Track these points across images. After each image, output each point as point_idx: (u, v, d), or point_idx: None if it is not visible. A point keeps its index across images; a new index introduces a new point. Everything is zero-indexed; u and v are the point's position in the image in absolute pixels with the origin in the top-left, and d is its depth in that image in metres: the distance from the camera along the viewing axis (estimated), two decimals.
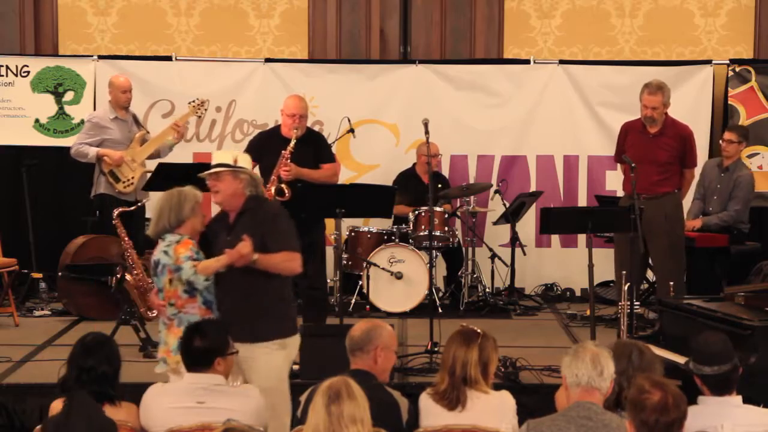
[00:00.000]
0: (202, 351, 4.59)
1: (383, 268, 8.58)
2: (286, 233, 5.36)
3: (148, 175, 8.31)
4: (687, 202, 8.55)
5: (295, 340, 5.42)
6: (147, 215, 8.80)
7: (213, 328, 4.75)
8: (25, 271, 8.81)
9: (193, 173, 8.26)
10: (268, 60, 9.86)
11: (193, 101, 8.62)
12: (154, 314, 7.56)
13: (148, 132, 8.68)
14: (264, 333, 5.27)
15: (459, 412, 4.49)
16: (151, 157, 8.54)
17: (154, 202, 5.46)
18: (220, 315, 5.30)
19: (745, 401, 4.34)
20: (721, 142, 8.64)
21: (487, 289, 9.16)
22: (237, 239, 5.21)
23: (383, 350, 4.60)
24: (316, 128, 8.88)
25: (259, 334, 5.25)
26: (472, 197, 9.03)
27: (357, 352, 4.59)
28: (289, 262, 5.31)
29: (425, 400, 4.58)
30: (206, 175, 5.39)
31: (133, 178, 8.46)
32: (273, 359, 5.28)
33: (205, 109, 8.74)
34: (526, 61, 9.86)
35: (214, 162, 5.42)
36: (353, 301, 8.67)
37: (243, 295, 5.27)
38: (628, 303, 6.85)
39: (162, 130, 8.73)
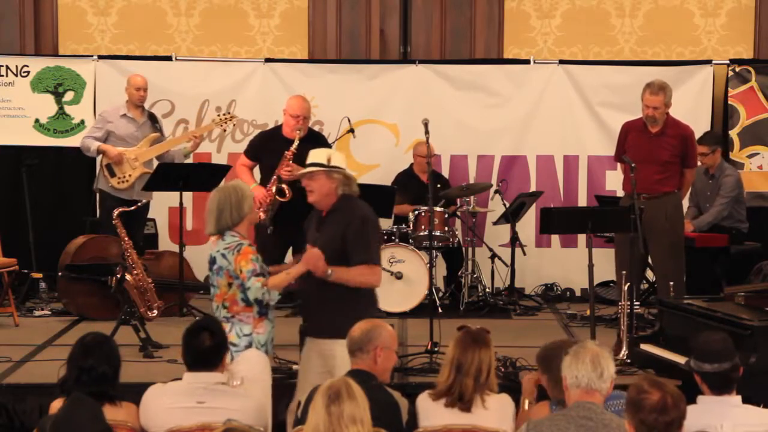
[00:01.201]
0: (214, 348, 4.58)
1: (383, 268, 8.55)
2: (369, 241, 5.37)
3: (147, 176, 8.34)
4: (686, 203, 8.56)
5: None
6: (150, 215, 8.90)
7: (216, 324, 4.74)
8: (25, 271, 8.80)
9: (192, 174, 8.39)
10: (268, 60, 9.86)
11: (220, 115, 8.66)
12: (154, 314, 7.60)
13: (162, 135, 8.69)
14: (343, 330, 5.21)
15: (463, 412, 4.50)
16: (163, 160, 8.54)
17: (209, 199, 5.44)
18: (303, 309, 5.39)
19: (745, 401, 4.35)
20: None
21: (487, 289, 9.15)
22: (324, 237, 5.32)
23: (383, 350, 4.61)
24: (316, 128, 8.88)
25: (338, 330, 5.20)
26: (472, 197, 9.03)
27: (357, 352, 4.60)
28: (366, 276, 5.35)
29: (425, 402, 4.58)
30: (301, 176, 5.42)
31: (129, 176, 8.46)
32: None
33: (233, 124, 8.77)
34: (526, 61, 9.86)
35: (308, 161, 5.44)
36: None
37: (325, 292, 5.30)
38: (628, 303, 6.85)
39: (176, 137, 8.80)
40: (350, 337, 4.62)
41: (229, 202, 5.31)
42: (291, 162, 7.34)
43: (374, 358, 4.59)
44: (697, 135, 8.39)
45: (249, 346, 5.25)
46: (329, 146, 7.95)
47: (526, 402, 4.72)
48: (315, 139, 7.70)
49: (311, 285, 5.36)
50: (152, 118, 8.75)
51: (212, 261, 5.36)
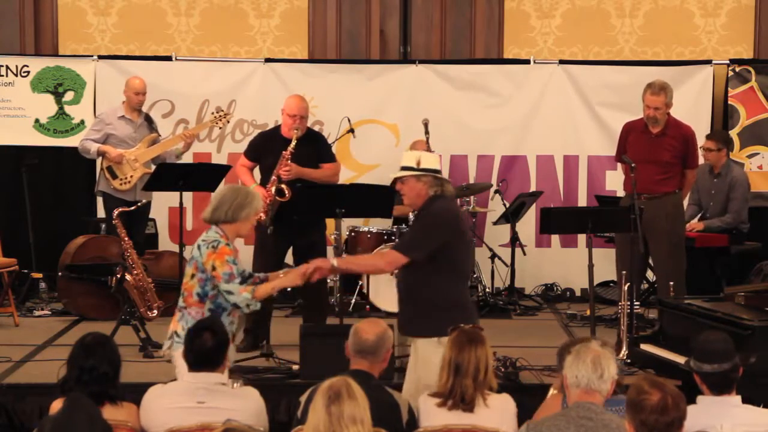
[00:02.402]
0: (216, 349, 4.59)
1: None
2: (412, 234, 5.50)
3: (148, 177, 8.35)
4: (685, 202, 8.56)
5: None
6: (150, 215, 8.90)
7: (218, 324, 4.75)
8: (25, 271, 8.80)
9: (192, 174, 8.39)
10: (268, 60, 9.86)
11: (216, 112, 8.67)
12: (154, 314, 7.61)
13: (159, 135, 8.70)
14: (421, 329, 5.35)
15: (465, 413, 4.49)
16: (156, 160, 8.56)
17: (219, 188, 5.65)
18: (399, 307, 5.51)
19: (745, 401, 4.34)
20: (700, 149, 8.65)
21: (487, 289, 9.15)
22: None
23: (389, 352, 4.70)
24: (316, 128, 8.88)
25: (418, 329, 5.37)
26: (472, 197, 9.03)
27: (369, 356, 4.60)
28: (375, 259, 5.54)
29: (426, 402, 4.58)
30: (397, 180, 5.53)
31: (131, 177, 8.47)
32: (429, 354, 5.26)
33: (227, 121, 8.78)
34: (526, 61, 9.86)
35: (401, 164, 5.52)
36: (353, 301, 8.66)
37: (405, 291, 5.46)
38: (628, 303, 6.85)
39: (174, 136, 8.82)
40: (362, 341, 4.59)
41: (231, 200, 5.36)
42: (289, 162, 7.33)
43: (385, 360, 4.65)
44: (698, 135, 8.39)
45: None
46: (329, 146, 7.95)
47: (553, 391, 4.74)
48: (314, 139, 7.69)
49: (401, 283, 5.52)
50: (148, 119, 8.77)
51: (192, 251, 5.42)
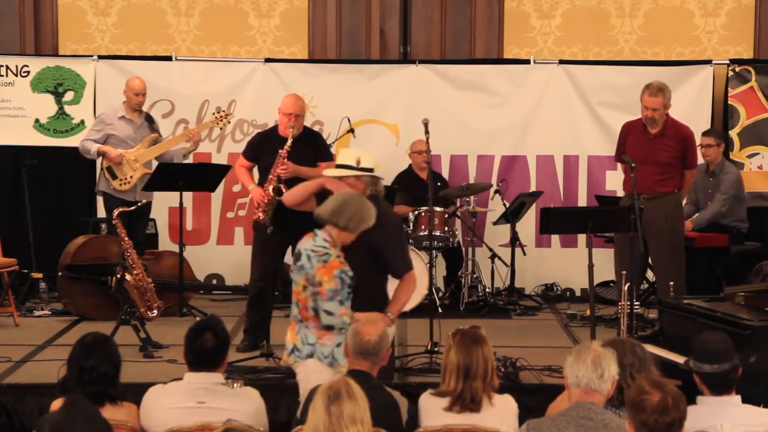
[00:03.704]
0: (217, 349, 4.59)
1: None
2: (402, 247, 5.52)
3: (148, 177, 8.36)
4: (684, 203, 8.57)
5: None
6: (150, 215, 8.91)
7: (220, 325, 4.73)
8: (25, 271, 8.81)
9: (192, 174, 8.40)
10: (268, 60, 9.86)
11: (217, 112, 8.69)
12: (154, 314, 7.60)
13: (160, 135, 8.71)
14: None
15: (472, 413, 4.48)
16: (162, 160, 8.56)
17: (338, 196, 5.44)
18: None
19: (745, 401, 4.34)
20: (698, 147, 8.65)
21: (487, 289, 9.15)
22: (356, 246, 5.36)
23: (389, 350, 4.73)
24: (316, 128, 8.89)
25: None
26: (472, 197, 9.03)
27: (371, 357, 4.58)
28: (409, 287, 5.49)
29: (428, 401, 4.57)
30: (332, 177, 5.53)
31: (131, 177, 8.47)
32: None
33: (228, 122, 8.80)
34: (526, 61, 9.86)
35: (338, 161, 5.52)
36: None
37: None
38: (628, 303, 6.85)
39: (175, 136, 8.82)
40: (366, 342, 4.56)
41: (357, 210, 5.26)
42: (286, 160, 7.33)
43: (385, 359, 4.65)
44: (697, 135, 8.40)
45: (311, 355, 5.20)
46: (327, 144, 7.94)
47: None
48: (311, 138, 7.68)
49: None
50: (149, 119, 8.77)
51: (298, 256, 5.29)
